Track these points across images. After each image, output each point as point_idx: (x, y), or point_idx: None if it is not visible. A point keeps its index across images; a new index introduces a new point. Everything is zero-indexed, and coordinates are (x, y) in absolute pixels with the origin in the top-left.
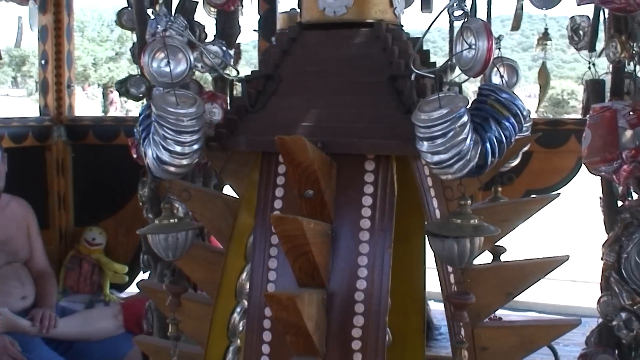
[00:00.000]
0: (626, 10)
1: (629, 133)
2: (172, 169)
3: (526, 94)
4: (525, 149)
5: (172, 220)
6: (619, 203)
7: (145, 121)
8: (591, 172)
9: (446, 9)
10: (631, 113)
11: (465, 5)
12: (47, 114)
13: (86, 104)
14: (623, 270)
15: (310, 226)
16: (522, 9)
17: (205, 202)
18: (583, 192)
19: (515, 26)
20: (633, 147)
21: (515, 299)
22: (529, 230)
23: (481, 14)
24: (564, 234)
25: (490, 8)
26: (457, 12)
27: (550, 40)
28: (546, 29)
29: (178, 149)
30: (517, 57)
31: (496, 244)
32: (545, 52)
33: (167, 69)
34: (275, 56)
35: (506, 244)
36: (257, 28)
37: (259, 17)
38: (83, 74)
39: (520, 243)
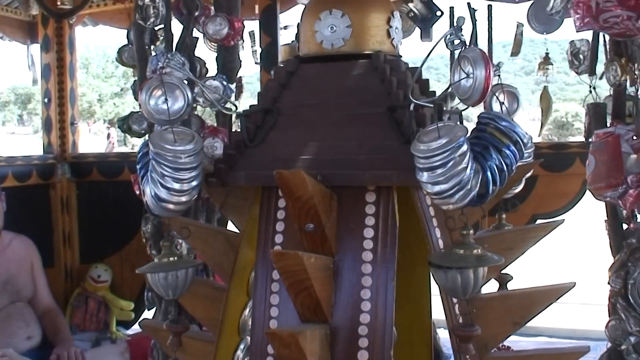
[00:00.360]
0: (626, 35)
1: (633, 158)
2: (170, 206)
3: (530, 117)
4: (529, 174)
5: (171, 259)
6: (624, 225)
7: (143, 159)
8: (597, 198)
9: (443, 38)
10: (634, 137)
11: (462, 35)
12: (51, 152)
13: (91, 140)
14: (630, 297)
15: (310, 261)
16: (522, 34)
17: (206, 238)
18: (590, 214)
19: (515, 51)
20: (638, 171)
21: None
22: (535, 253)
23: (482, 40)
24: (571, 256)
25: (491, 34)
26: (455, 41)
27: (552, 64)
28: (547, 53)
29: (176, 186)
30: (520, 81)
31: (502, 271)
32: (547, 76)
33: (165, 107)
34: (273, 90)
35: (512, 268)
36: (259, 60)
37: (260, 49)
38: (88, 110)
39: (526, 267)
